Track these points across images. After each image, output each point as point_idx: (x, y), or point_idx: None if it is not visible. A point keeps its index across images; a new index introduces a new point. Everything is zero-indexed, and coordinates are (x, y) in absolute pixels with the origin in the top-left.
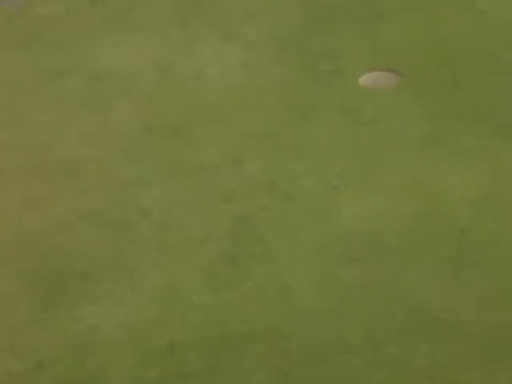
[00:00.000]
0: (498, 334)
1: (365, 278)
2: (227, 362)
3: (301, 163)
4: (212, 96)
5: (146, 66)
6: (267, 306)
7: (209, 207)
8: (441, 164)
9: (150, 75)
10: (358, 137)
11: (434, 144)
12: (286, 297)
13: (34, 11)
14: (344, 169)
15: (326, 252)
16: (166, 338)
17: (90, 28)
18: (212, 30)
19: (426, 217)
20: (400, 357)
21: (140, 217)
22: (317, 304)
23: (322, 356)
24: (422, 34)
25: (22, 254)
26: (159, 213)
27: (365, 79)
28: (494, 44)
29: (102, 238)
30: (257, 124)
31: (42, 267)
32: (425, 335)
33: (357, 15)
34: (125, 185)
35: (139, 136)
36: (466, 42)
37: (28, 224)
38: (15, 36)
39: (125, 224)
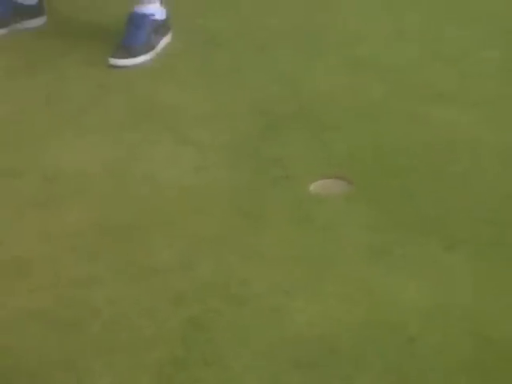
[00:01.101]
0: None
1: None
2: None
3: (252, 267)
4: (164, 199)
5: (99, 168)
6: None
7: (160, 309)
8: (389, 273)
9: (102, 177)
10: (308, 243)
11: (382, 253)
12: None
13: None
14: (295, 274)
15: (277, 357)
16: None
17: (43, 128)
18: (164, 133)
19: (376, 324)
20: None
21: (90, 317)
22: None
23: None
24: (371, 143)
25: None
26: (110, 314)
27: (315, 186)
28: (441, 157)
29: (51, 337)
30: (209, 228)
31: None
32: None
33: (307, 124)
34: (76, 284)
35: (91, 237)
36: (414, 153)
37: None
38: None
39: (75, 324)
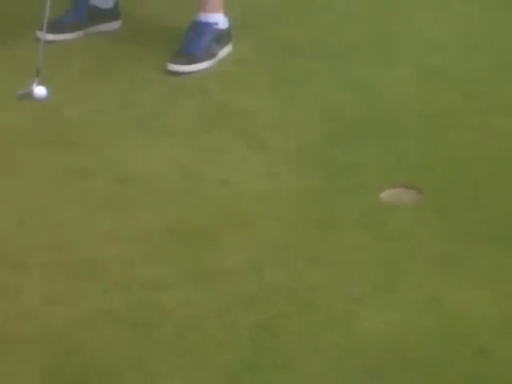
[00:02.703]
0: None
1: None
2: None
3: (322, 273)
4: (235, 203)
5: (171, 170)
6: None
7: (230, 313)
8: (460, 282)
9: (174, 179)
10: (378, 250)
11: (453, 262)
12: None
13: (62, 111)
14: (364, 281)
15: (346, 363)
16: None
17: (116, 130)
18: (237, 137)
19: (445, 333)
20: None
21: (161, 319)
22: None
23: None
24: (442, 153)
25: (45, 349)
26: (180, 316)
27: (386, 194)
28: None
29: (123, 338)
30: (279, 233)
31: (64, 363)
32: None
33: (378, 132)
34: (147, 286)
35: (162, 238)
36: (485, 163)
37: (52, 320)
38: (41, 135)
39: (146, 325)
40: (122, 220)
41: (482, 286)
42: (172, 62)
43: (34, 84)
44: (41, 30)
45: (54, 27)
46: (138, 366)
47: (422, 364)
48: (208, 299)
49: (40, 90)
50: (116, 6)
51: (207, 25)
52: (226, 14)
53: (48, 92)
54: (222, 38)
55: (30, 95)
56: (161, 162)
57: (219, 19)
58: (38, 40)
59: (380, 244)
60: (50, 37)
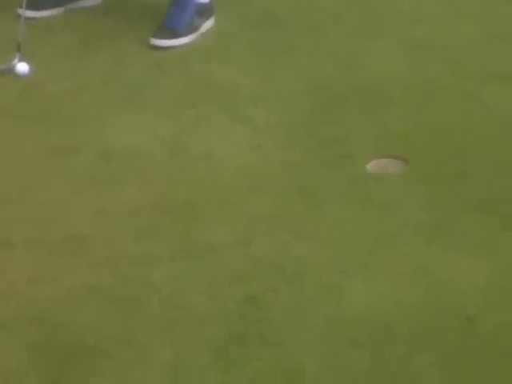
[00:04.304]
0: None
1: (372, 363)
2: None
3: (309, 245)
4: (220, 177)
5: (155, 145)
6: None
7: (217, 287)
8: (447, 253)
9: (158, 154)
10: (365, 222)
11: (440, 233)
12: (295, 380)
13: (45, 88)
14: (352, 253)
15: (334, 335)
16: None
17: (100, 106)
18: (221, 111)
19: (433, 304)
20: None
21: (149, 294)
22: None
23: None
24: (428, 123)
25: (31, 327)
26: (167, 291)
27: (372, 165)
28: (498, 135)
29: (110, 313)
30: (265, 205)
31: (50, 341)
32: None
33: (363, 103)
34: (133, 261)
35: (148, 213)
36: (471, 132)
37: (37, 298)
38: (26, 113)
39: (133, 300)
40: (107, 196)
41: (469, 255)
42: (155, 37)
43: (16, 59)
44: (21, 6)
45: (34, 4)
46: (126, 341)
47: (410, 335)
48: (195, 273)
49: (22, 67)
50: None
51: None
52: None
53: (30, 69)
54: (204, 11)
55: (11, 71)
56: (145, 137)
57: None
58: (18, 17)
59: (367, 215)
60: (31, 13)
